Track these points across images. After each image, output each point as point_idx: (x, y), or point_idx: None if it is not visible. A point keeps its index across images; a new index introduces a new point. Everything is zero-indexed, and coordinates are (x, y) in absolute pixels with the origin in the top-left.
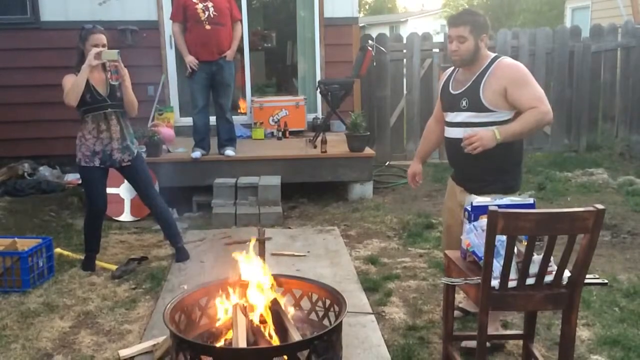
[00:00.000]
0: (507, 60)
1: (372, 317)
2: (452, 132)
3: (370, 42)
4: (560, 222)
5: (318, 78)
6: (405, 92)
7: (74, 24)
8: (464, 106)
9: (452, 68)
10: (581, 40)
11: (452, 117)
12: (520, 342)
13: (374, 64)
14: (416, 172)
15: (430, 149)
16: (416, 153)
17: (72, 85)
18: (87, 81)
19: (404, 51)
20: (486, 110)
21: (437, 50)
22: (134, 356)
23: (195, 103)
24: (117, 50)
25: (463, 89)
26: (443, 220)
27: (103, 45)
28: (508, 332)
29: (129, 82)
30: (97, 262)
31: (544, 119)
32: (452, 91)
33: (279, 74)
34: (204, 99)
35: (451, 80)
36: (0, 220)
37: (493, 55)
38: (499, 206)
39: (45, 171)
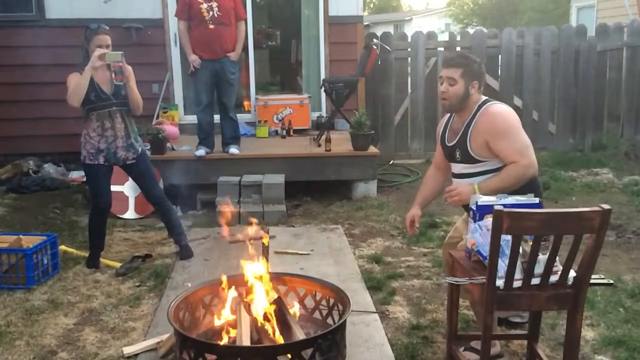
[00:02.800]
0: (490, 108)
1: (376, 315)
2: (457, 182)
3: (374, 40)
4: (566, 222)
5: (322, 76)
6: (409, 90)
7: (78, 22)
8: (458, 158)
9: (449, 115)
10: (587, 39)
11: (453, 167)
12: (525, 342)
13: (379, 62)
14: (415, 217)
15: (430, 196)
16: (415, 198)
17: (75, 87)
18: (92, 80)
19: (409, 50)
20: (476, 161)
21: (441, 49)
22: (138, 353)
23: (199, 101)
24: (120, 52)
25: (455, 140)
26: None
27: (107, 46)
28: (512, 332)
29: (134, 82)
30: (101, 259)
31: (525, 174)
32: (447, 143)
33: (283, 72)
34: (208, 96)
35: (447, 131)
36: (5, 217)
37: (482, 100)
38: (505, 205)
39: (49, 168)
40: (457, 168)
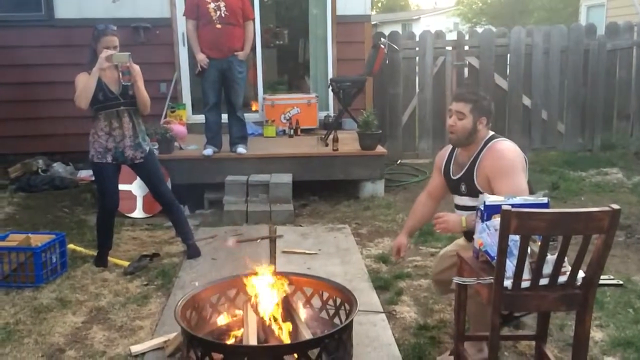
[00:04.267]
0: (496, 145)
1: (383, 315)
2: (461, 214)
3: (382, 39)
4: (575, 222)
5: (330, 76)
6: (417, 90)
7: (87, 22)
8: (464, 191)
9: (451, 147)
10: (596, 38)
11: (457, 199)
12: (533, 342)
13: (387, 61)
14: (401, 245)
15: (419, 224)
16: (404, 226)
17: (83, 89)
18: (100, 80)
19: (417, 49)
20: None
21: (449, 48)
22: (145, 352)
23: (207, 100)
24: (128, 53)
25: (461, 173)
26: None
27: (114, 47)
28: (520, 332)
29: (142, 81)
30: (109, 258)
31: None
32: (452, 176)
33: (290, 72)
34: (215, 96)
35: (452, 164)
36: (14, 215)
37: (489, 136)
38: (513, 205)
39: (58, 167)
40: (461, 201)
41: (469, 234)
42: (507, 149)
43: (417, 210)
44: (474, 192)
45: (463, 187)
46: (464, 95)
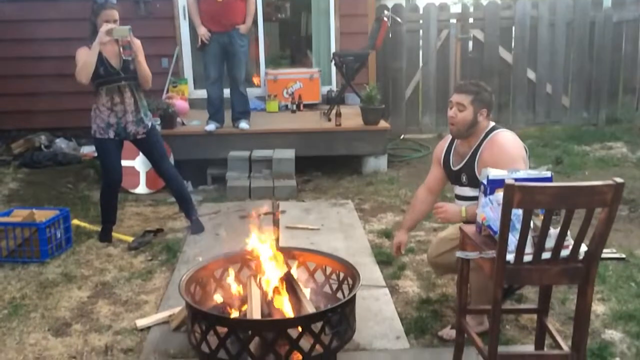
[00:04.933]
0: (497, 137)
1: (386, 290)
2: (461, 204)
3: (386, 12)
4: (578, 196)
5: (333, 50)
6: (421, 64)
7: None
8: (465, 182)
9: (450, 138)
10: (602, 10)
11: (457, 190)
12: (534, 316)
13: (390, 35)
14: (401, 243)
15: (418, 220)
16: (402, 223)
17: (83, 64)
18: (100, 54)
19: (421, 22)
20: None
21: (454, 20)
22: (150, 326)
23: (208, 75)
24: (128, 27)
25: (462, 164)
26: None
27: (115, 21)
28: (522, 306)
29: (143, 56)
30: (113, 233)
31: None
32: (452, 167)
33: (293, 46)
34: (217, 70)
35: (451, 155)
36: (18, 191)
37: (489, 127)
38: (516, 179)
39: (61, 143)
40: (462, 191)
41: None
42: (508, 141)
43: (416, 206)
44: (475, 183)
45: (464, 178)
46: (464, 87)
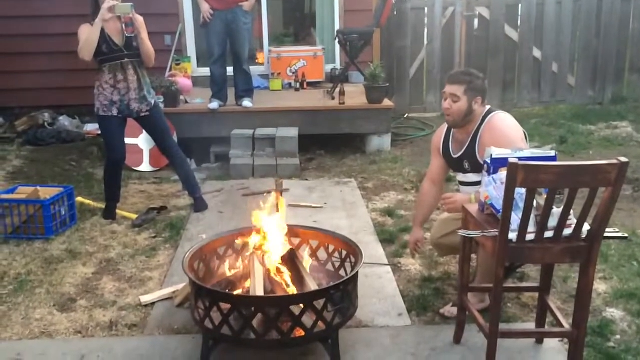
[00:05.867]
0: (495, 120)
1: (388, 268)
2: (467, 190)
3: None
4: (582, 175)
5: (337, 27)
6: (426, 42)
7: None
8: (468, 168)
9: (447, 126)
10: None
11: (461, 177)
12: (536, 294)
13: (394, 12)
14: (418, 239)
15: (429, 213)
16: (414, 220)
17: (85, 41)
18: (103, 31)
19: None
20: None
21: None
22: (154, 302)
23: (212, 52)
24: (130, 4)
25: (462, 151)
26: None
27: None
28: (524, 284)
29: (145, 33)
30: (117, 211)
31: None
32: (453, 155)
33: (297, 23)
34: (220, 48)
35: (450, 143)
36: (23, 169)
37: (485, 111)
38: (520, 158)
39: (65, 121)
40: (466, 178)
41: None
42: (506, 123)
43: (423, 201)
44: (478, 168)
45: (466, 165)
46: (456, 77)
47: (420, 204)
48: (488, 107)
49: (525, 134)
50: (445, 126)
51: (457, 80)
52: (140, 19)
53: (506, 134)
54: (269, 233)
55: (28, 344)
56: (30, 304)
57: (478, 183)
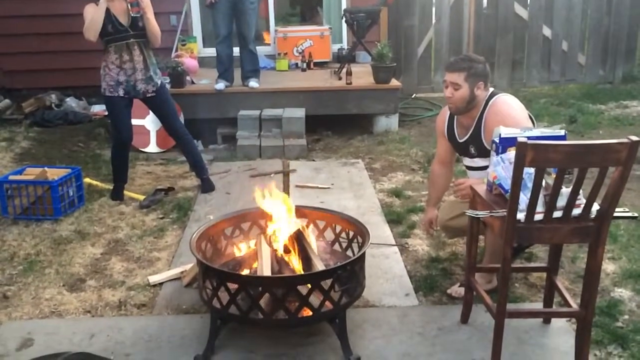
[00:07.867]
0: (499, 102)
1: (396, 248)
2: (474, 175)
3: None
4: (591, 155)
5: (344, 6)
6: (434, 20)
7: None
8: (474, 153)
9: (449, 111)
10: None
11: (467, 161)
12: (544, 274)
13: None
14: (432, 219)
15: (441, 194)
16: (427, 201)
17: (91, 21)
18: (108, 11)
19: None
20: None
21: None
22: (163, 282)
23: (218, 32)
24: None
25: (467, 135)
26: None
27: None
28: (532, 264)
29: (151, 13)
30: (125, 192)
31: None
32: (458, 140)
33: (303, 3)
34: (227, 28)
35: (455, 127)
36: (30, 150)
37: (488, 94)
38: (529, 138)
39: (71, 102)
40: (473, 162)
41: None
42: (511, 104)
43: (435, 182)
44: (484, 153)
45: (472, 149)
46: (455, 65)
47: (431, 185)
48: (491, 89)
49: (530, 117)
50: (447, 109)
51: (456, 68)
52: (146, 0)
53: (512, 116)
54: (276, 213)
55: (38, 323)
56: (40, 284)
57: (485, 167)
